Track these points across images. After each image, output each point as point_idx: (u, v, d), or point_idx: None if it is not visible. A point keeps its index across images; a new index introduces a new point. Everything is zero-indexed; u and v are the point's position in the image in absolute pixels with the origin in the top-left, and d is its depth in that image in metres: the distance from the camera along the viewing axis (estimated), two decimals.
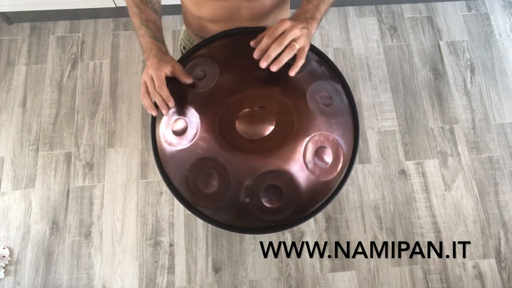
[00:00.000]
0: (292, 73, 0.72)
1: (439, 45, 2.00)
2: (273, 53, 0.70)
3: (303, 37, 0.72)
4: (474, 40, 2.02)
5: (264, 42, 0.71)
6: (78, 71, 1.92)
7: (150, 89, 0.76)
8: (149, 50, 0.79)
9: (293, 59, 0.72)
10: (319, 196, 0.77)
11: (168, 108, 0.76)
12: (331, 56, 1.97)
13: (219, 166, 0.73)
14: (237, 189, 0.73)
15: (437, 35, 2.02)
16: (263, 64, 0.70)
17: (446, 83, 1.93)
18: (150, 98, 0.76)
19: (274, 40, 0.71)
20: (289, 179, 0.73)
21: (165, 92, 0.74)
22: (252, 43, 0.76)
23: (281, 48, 0.70)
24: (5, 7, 1.83)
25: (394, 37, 2.02)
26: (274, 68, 0.70)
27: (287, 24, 0.71)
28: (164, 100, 0.75)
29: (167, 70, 0.76)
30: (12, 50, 1.95)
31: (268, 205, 0.74)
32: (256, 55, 0.72)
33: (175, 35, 2.00)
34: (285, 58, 0.70)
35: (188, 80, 0.78)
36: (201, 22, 0.98)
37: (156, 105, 0.77)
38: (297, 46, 0.71)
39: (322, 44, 2.00)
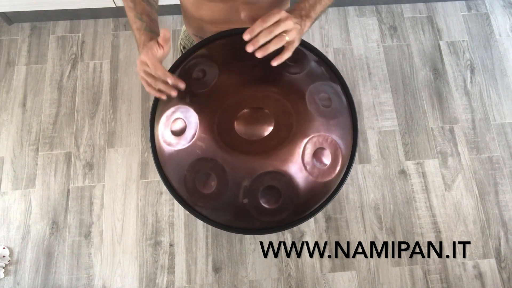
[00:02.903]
0: (275, 63, 0.71)
1: (439, 45, 2.00)
2: (261, 39, 0.69)
3: (295, 31, 0.71)
4: (474, 40, 2.01)
5: (257, 25, 0.69)
6: (78, 71, 1.92)
7: (149, 78, 0.75)
8: (142, 43, 0.77)
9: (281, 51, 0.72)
10: (318, 197, 0.77)
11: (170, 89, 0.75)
12: (331, 56, 1.97)
13: (217, 166, 0.73)
14: (235, 190, 0.73)
15: (437, 35, 2.02)
16: (249, 48, 0.70)
17: (446, 83, 1.93)
18: (153, 81, 0.74)
19: (266, 28, 0.69)
20: (288, 180, 0.72)
21: (161, 71, 0.72)
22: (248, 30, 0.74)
23: (271, 37, 0.69)
24: (5, 7, 1.83)
25: (394, 37, 2.01)
26: (259, 55, 0.70)
27: (283, 14, 0.70)
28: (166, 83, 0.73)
29: (157, 49, 0.73)
30: (12, 50, 1.95)
31: (266, 206, 0.74)
32: (246, 36, 0.70)
33: (175, 35, 2.00)
34: (271, 47, 0.70)
35: (165, 43, 0.74)
36: (200, 24, 0.97)
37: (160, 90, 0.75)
38: (287, 38, 0.70)
39: (322, 44, 2.00)
